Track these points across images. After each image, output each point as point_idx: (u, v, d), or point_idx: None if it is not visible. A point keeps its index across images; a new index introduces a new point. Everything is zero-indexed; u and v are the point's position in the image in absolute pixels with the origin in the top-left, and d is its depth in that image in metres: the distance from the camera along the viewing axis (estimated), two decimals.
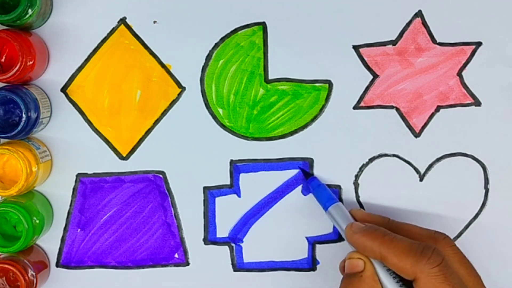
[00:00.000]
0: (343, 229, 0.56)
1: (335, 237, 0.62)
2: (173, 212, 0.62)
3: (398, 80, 0.61)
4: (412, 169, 0.62)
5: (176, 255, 0.62)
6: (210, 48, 0.61)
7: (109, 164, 0.62)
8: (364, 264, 0.53)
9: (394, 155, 0.62)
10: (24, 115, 0.57)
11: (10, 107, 0.58)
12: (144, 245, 0.62)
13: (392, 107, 0.62)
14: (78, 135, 0.61)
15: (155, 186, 0.62)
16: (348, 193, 0.62)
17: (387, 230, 0.53)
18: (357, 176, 0.62)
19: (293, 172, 0.62)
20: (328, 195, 0.59)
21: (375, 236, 0.53)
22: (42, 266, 0.61)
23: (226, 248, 0.62)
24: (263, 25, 0.61)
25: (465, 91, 0.61)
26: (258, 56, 0.61)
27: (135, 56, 0.61)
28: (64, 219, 0.62)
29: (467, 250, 0.62)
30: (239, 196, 0.62)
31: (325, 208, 0.58)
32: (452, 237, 0.62)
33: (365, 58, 0.61)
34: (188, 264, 0.62)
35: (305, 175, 0.61)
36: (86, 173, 0.62)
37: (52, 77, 0.61)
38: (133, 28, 0.61)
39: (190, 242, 0.62)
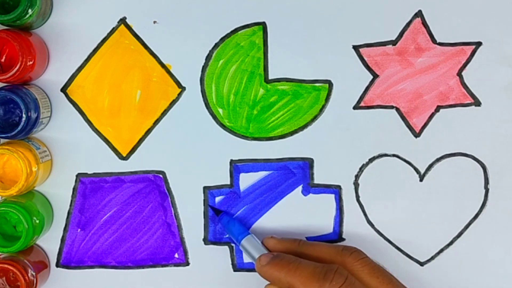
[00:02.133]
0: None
1: (335, 237, 0.62)
2: (173, 212, 0.62)
3: (398, 80, 0.61)
4: (412, 169, 0.62)
5: (176, 255, 0.62)
6: (210, 48, 0.61)
7: (109, 164, 0.62)
8: None
9: (394, 155, 0.62)
10: (24, 115, 0.57)
11: (10, 107, 0.58)
12: (144, 245, 0.62)
13: (392, 107, 0.62)
14: (78, 135, 0.61)
15: (155, 186, 0.62)
16: (348, 193, 0.62)
17: (292, 257, 0.55)
18: (357, 176, 0.62)
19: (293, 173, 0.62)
20: (240, 228, 0.60)
21: (281, 266, 0.54)
22: (42, 266, 0.61)
23: (226, 248, 0.62)
24: (263, 25, 0.61)
25: (465, 91, 0.61)
26: (258, 56, 0.61)
27: (135, 56, 0.61)
28: (64, 219, 0.62)
29: (467, 250, 0.62)
30: (239, 196, 0.62)
31: (238, 242, 0.59)
32: (452, 237, 0.62)
33: (365, 58, 0.61)
34: (188, 264, 0.62)
35: (215, 212, 0.61)
36: (86, 173, 0.62)
37: (52, 77, 0.61)
38: (133, 28, 0.61)
39: (190, 242, 0.62)
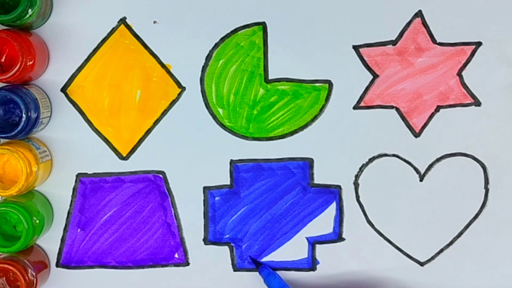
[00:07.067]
0: None
1: (335, 237, 0.62)
2: (173, 212, 0.62)
3: (398, 80, 0.61)
4: (412, 169, 0.62)
5: (176, 255, 0.62)
6: (210, 48, 0.61)
7: (109, 164, 0.62)
8: None
9: (394, 155, 0.62)
10: (24, 115, 0.57)
11: (10, 107, 0.58)
12: (144, 245, 0.62)
13: (392, 107, 0.62)
14: (78, 135, 0.61)
15: (155, 186, 0.62)
16: (348, 193, 0.62)
17: None
18: (357, 176, 0.62)
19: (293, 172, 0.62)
20: (280, 282, 0.59)
21: None
22: (42, 266, 0.61)
23: (226, 248, 0.62)
24: (263, 25, 0.61)
25: (465, 91, 0.61)
26: (258, 56, 0.61)
27: (135, 56, 0.61)
28: (64, 219, 0.62)
29: (467, 250, 0.62)
30: (239, 196, 0.62)
31: None
32: (452, 237, 0.62)
33: (365, 58, 0.61)
34: (188, 264, 0.62)
35: (256, 264, 0.61)
36: (86, 173, 0.62)
37: (52, 77, 0.61)
38: (133, 28, 0.61)
39: (190, 242, 0.62)
